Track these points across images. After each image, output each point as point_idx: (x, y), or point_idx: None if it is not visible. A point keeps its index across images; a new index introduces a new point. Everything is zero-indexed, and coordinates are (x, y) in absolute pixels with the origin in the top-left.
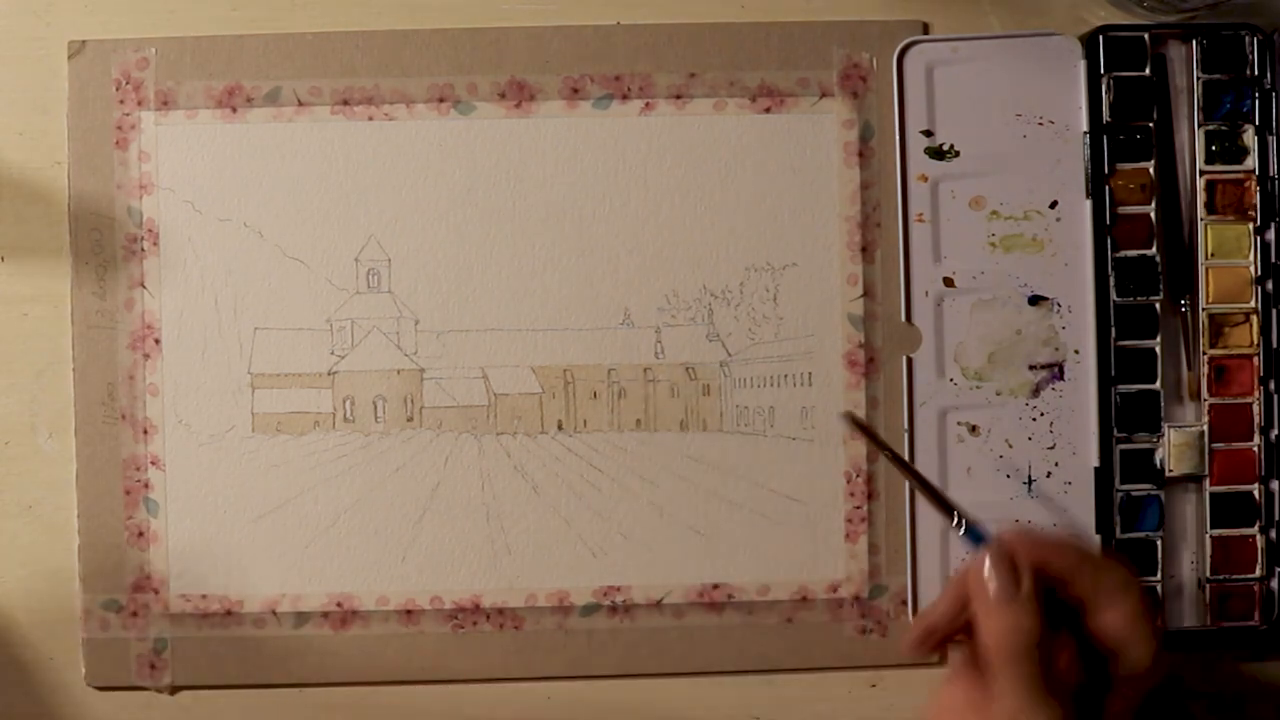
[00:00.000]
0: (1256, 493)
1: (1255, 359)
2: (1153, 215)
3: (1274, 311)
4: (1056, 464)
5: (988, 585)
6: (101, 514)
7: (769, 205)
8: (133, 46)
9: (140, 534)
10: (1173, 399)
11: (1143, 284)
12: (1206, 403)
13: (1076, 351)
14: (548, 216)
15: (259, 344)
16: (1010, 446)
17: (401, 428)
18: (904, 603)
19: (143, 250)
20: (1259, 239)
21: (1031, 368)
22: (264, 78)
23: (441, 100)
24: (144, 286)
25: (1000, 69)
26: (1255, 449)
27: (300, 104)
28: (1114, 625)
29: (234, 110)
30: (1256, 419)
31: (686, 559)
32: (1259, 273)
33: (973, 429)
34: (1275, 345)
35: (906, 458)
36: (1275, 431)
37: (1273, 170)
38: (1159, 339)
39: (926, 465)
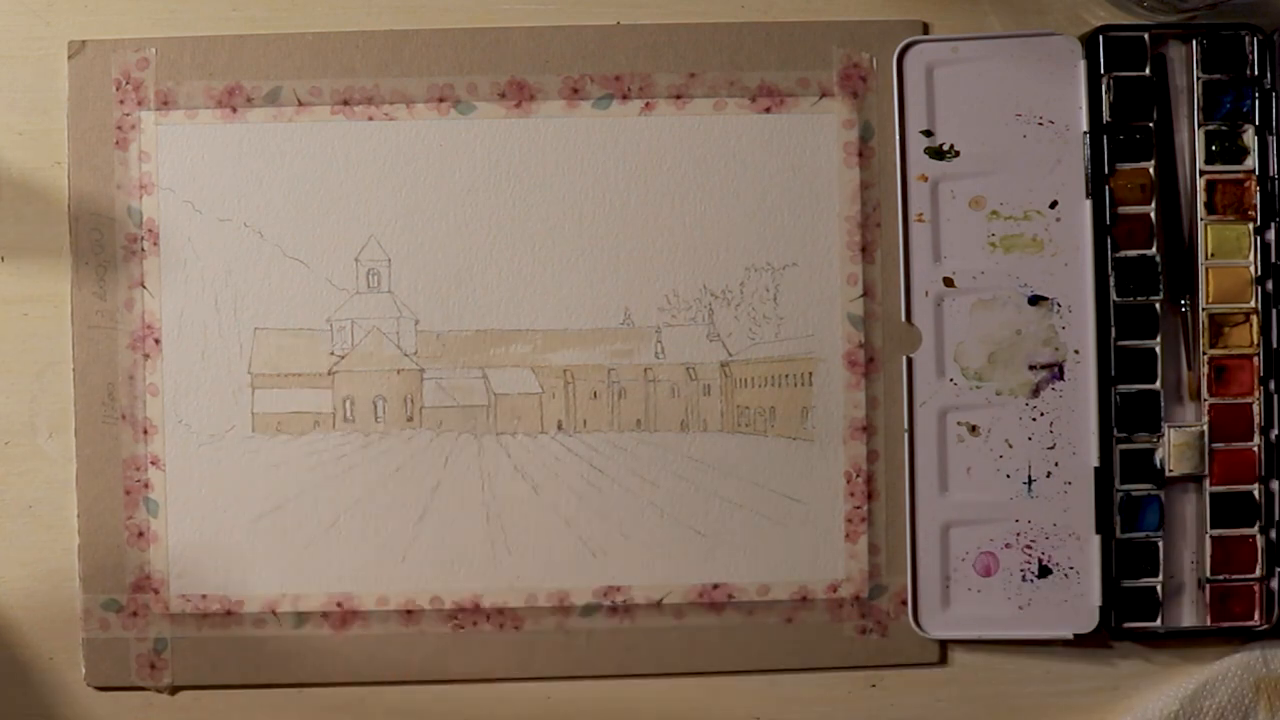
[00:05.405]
0: (1256, 493)
1: (1255, 359)
2: (1153, 215)
3: (1274, 311)
4: (1056, 464)
5: None
6: (101, 514)
7: (769, 205)
8: (133, 46)
9: (140, 534)
10: (1173, 399)
11: (1143, 284)
12: (1206, 403)
13: (1076, 351)
14: (548, 216)
15: (259, 344)
16: (1010, 446)
17: (401, 428)
18: (904, 603)
19: (143, 250)
20: (1259, 239)
21: (1031, 368)
22: (264, 78)
23: (441, 100)
24: (144, 286)
25: (1000, 69)
26: (1255, 449)
27: (300, 104)
28: None
29: (234, 110)
30: (1256, 419)
31: (686, 559)
32: (1259, 273)
33: (973, 429)
34: (1275, 345)
35: (906, 457)
36: (1275, 431)
37: (1273, 170)
38: (1159, 339)
39: (926, 465)
